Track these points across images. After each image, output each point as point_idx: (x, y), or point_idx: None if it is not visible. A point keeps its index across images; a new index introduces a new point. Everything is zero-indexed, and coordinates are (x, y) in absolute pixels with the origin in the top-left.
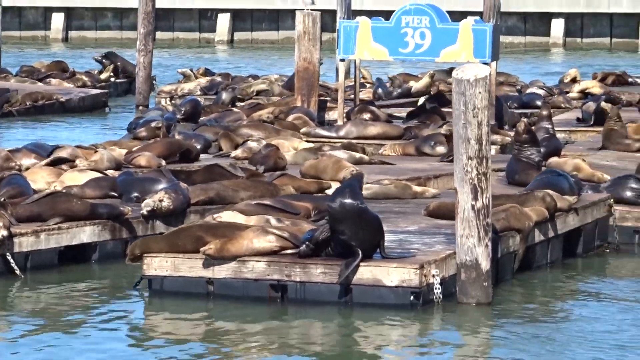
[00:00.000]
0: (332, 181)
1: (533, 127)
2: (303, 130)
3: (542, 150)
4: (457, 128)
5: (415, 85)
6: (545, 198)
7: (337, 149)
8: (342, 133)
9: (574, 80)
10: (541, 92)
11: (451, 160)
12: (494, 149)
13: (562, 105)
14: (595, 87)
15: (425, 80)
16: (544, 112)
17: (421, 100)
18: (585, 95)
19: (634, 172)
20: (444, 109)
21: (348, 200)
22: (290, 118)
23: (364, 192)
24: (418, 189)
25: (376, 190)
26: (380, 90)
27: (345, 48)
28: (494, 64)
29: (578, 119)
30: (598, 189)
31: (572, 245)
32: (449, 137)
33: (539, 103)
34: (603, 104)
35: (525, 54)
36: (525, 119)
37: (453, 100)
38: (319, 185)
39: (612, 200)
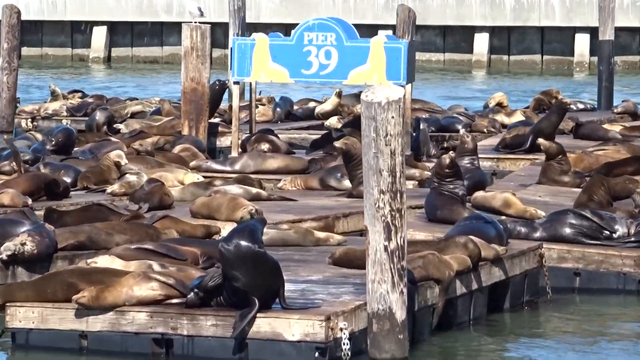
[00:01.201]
0: (228, 221)
1: (453, 155)
2: (192, 164)
3: (465, 183)
4: (367, 158)
5: (321, 107)
6: (467, 245)
7: (229, 183)
8: (237, 167)
9: (500, 106)
10: (462, 119)
11: (352, 196)
12: (410, 184)
13: (486, 129)
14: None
15: (333, 100)
16: (469, 145)
17: (331, 120)
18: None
19: (570, 207)
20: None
21: (244, 242)
22: (176, 149)
23: None
24: (321, 235)
25: (273, 236)
26: (279, 110)
27: (240, 69)
28: (409, 86)
29: (502, 146)
30: (531, 227)
31: (498, 300)
32: (346, 155)
33: (459, 127)
34: (540, 140)
35: (444, 73)
36: (451, 153)
37: (362, 126)
38: (207, 230)
39: (542, 250)
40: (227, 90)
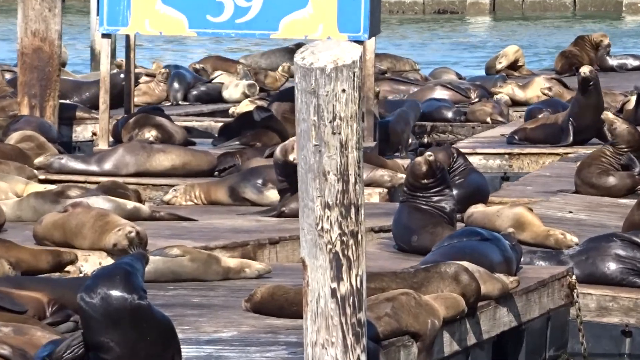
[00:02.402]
0: (93, 250)
1: (431, 156)
2: (37, 160)
3: (454, 193)
4: (303, 154)
5: (228, 91)
6: (459, 276)
7: (91, 193)
8: (108, 166)
9: (513, 68)
10: (448, 94)
11: (284, 214)
12: (376, 195)
13: (490, 118)
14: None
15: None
16: (454, 152)
17: (243, 106)
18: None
19: (618, 231)
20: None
21: (117, 292)
22: (12, 139)
23: None
24: (232, 262)
25: (158, 267)
26: (177, 85)
27: (112, 16)
28: (371, 42)
29: (511, 140)
30: (557, 260)
31: (507, 357)
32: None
33: (449, 115)
34: (606, 114)
35: (426, 21)
36: (427, 154)
37: (296, 105)
38: (56, 258)
39: (573, 277)
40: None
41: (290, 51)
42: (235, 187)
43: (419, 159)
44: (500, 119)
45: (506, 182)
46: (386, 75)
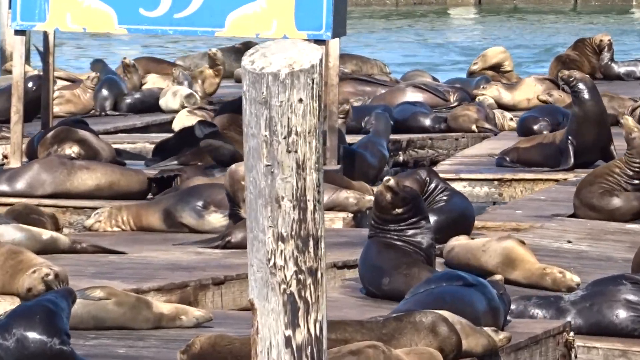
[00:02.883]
0: (2, 294)
1: (393, 182)
2: None
3: (433, 219)
4: (251, 175)
5: (164, 99)
6: (437, 328)
7: (0, 221)
8: (20, 185)
9: (497, 71)
10: (422, 97)
11: (230, 245)
12: (339, 220)
13: (475, 125)
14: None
15: (182, 93)
16: (424, 176)
17: (181, 117)
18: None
19: (628, 271)
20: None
21: (35, 335)
22: None
23: None
24: (165, 308)
25: (78, 311)
26: (105, 92)
27: (26, 9)
28: (335, 43)
29: (499, 162)
30: (556, 308)
31: None
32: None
33: (427, 123)
34: (626, 118)
35: (399, 17)
36: (386, 178)
37: (244, 117)
38: None
39: (571, 334)
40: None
41: (236, 51)
42: (171, 211)
43: (379, 187)
44: (487, 125)
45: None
46: (351, 76)
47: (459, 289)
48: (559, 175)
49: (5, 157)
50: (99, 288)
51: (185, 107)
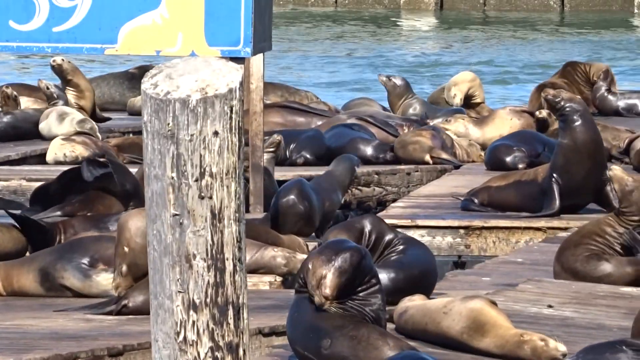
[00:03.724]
0: None
1: (353, 231)
2: None
3: (380, 282)
4: (154, 227)
5: (49, 123)
6: None
7: None
8: None
9: (467, 103)
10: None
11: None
12: (265, 285)
13: (429, 156)
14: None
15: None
16: (368, 228)
17: (55, 149)
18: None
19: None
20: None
21: None
22: None
23: None
24: None
25: None
26: None
27: None
28: (258, 59)
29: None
30: None
31: None
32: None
33: (368, 152)
34: (614, 170)
35: (336, 18)
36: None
37: (145, 154)
38: None
39: None
40: None
41: (130, 77)
42: (50, 270)
43: (316, 299)
44: (445, 156)
45: (457, 269)
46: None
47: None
48: (541, 223)
49: None
50: None
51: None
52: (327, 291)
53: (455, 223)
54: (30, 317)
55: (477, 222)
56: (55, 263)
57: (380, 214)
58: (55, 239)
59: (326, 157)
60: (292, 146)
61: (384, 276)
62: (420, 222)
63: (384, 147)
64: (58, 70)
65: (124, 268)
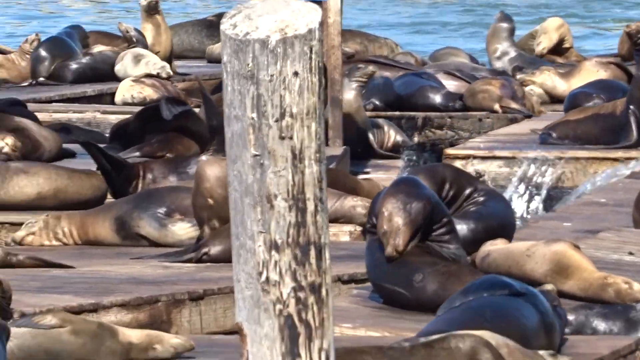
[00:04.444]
0: None
1: (430, 175)
2: None
3: (457, 231)
4: (235, 168)
5: (122, 64)
6: (477, 355)
7: None
8: None
9: (555, 50)
10: (454, 85)
11: (206, 258)
12: (345, 234)
13: (498, 105)
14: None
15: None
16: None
17: (123, 90)
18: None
19: None
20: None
21: None
22: None
23: None
24: (135, 336)
25: (26, 343)
26: (43, 53)
27: None
28: (334, 3)
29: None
30: (625, 319)
31: None
32: None
33: (437, 100)
34: None
35: None
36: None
37: (224, 95)
38: None
39: None
40: None
41: (209, 25)
42: (126, 219)
43: (388, 250)
44: (514, 105)
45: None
46: (354, 57)
47: (504, 301)
48: (619, 154)
49: None
50: (50, 313)
51: (158, 76)
52: (401, 246)
53: (532, 154)
54: (107, 264)
55: (555, 153)
56: (131, 212)
57: (458, 146)
58: (135, 180)
59: (395, 105)
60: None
61: (463, 227)
62: (497, 153)
63: (453, 96)
64: (146, 6)
65: (215, 223)
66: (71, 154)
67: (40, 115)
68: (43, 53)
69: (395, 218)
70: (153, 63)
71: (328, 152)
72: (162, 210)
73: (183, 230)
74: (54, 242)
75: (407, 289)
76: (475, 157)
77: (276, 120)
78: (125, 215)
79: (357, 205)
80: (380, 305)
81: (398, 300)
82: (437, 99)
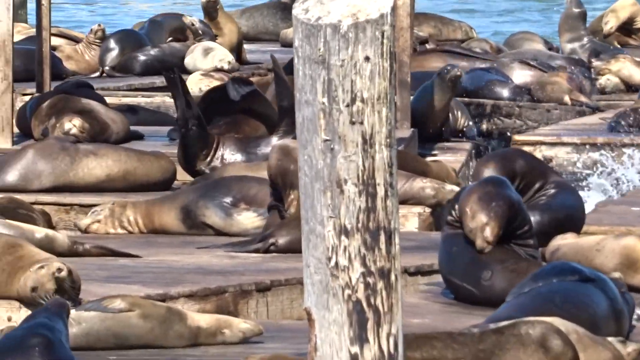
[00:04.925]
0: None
1: (503, 162)
2: None
3: (532, 227)
4: (305, 153)
5: (192, 55)
6: (547, 342)
7: None
8: (11, 177)
9: (627, 30)
10: (531, 76)
11: (273, 248)
12: (413, 216)
13: (568, 97)
14: None
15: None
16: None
17: (193, 82)
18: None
19: None
20: None
21: None
22: None
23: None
24: (204, 320)
25: (95, 327)
26: (112, 44)
27: None
28: None
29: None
30: None
31: None
32: None
33: (505, 94)
34: None
35: None
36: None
37: (296, 80)
38: None
39: None
40: None
41: (283, 7)
42: (192, 208)
43: (478, 242)
44: (583, 98)
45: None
46: (428, 45)
47: (573, 287)
48: None
49: None
50: (119, 297)
51: (225, 71)
52: (491, 238)
53: (601, 139)
54: (173, 254)
55: (624, 140)
56: (197, 201)
57: (526, 133)
58: (207, 150)
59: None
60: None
61: (532, 219)
62: (565, 139)
63: (521, 91)
64: (205, 6)
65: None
66: (139, 136)
67: (109, 100)
68: (112, 44)
69: (480, 215)
70: (220, 57)
71: (396, 134)
72: (228, 199)
73: (249, 219)
74: (119, 230)
75: (475, 286)
76: (543, 144)
77: (347, 105)
78: (191, 204)
79: (426, 186)
80: (450, 301)
81: (467, 296)
82: (505, 92)
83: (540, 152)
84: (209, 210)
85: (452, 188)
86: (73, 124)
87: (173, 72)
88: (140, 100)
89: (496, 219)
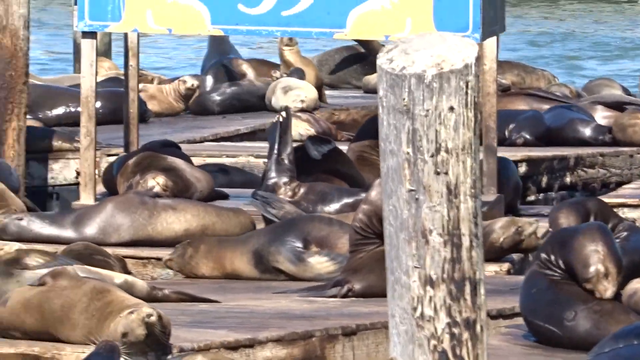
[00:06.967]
0: (87, 343)
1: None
2: None
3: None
4: (390, 203)
5: (274, 91)
6: None
7: (61, 261)
8: (91, 230)
9: None
10: (613, 117)
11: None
12: (491, 267)
13: None
14: None
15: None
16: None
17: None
18: None
19: None
20: None
21: None
22: None
23: None
24: None
25: None
26: (211, 79)
27: (96, 6)
28: (491, 43)
29: None
30: None
31: None
32: None
33: (587, 133)
34: None
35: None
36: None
37: (380, 130)
38: None
39: None
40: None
41: (363, 57)
42: (263, 253)
43: (600, 289)
44: None
45: None
46: (512, 90)
47: None
48: None
49: (79, 173)
50: (200, 354)
51: (304, 110)
52: (614, 288)
53: None
54: (251, 299)
55: None
56: (269, 245)
57: (610, 194)
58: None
59: (545, 138)
60: (511, 126)
61: None
62: None
63: (602, 129)
64: (282, 60)
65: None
66: (224, 196)
67: (194, 160)
68: (211, 79)
69: (601, 264)
70: (295, 96)
71: (482, 199)
72: (299, 243)
73: (321, 264)
74: (194, 275)
75: (559, 327)
76: (625, 206)
77: (431, 156)
78: (263, 249)
79: (509, 230)
80: (532, 344)
81: (550, 338)
82: (587, 132)
83: (623, 214)
84: (281, 256)
85: (534, 228)
86: (157, 182)
87: (287, 113)
88: (224, 160)
89: (617, 268)
